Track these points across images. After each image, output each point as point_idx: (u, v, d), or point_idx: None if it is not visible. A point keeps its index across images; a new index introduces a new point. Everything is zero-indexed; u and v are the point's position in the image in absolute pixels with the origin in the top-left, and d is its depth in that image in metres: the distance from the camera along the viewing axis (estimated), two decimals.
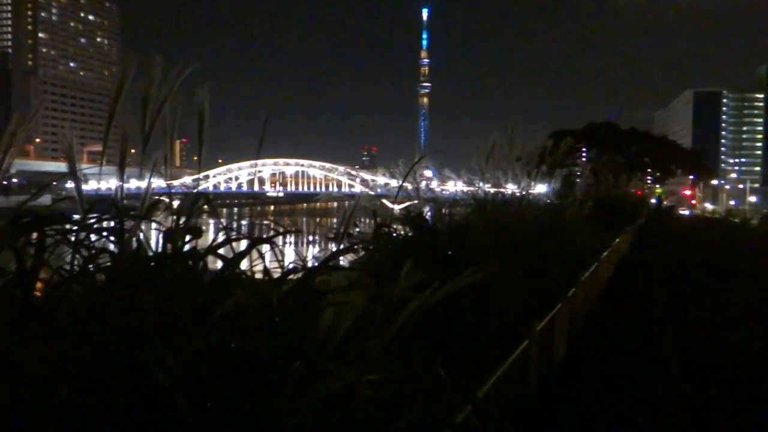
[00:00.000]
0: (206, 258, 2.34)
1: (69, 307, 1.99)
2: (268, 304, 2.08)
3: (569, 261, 7.55)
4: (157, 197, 2.92)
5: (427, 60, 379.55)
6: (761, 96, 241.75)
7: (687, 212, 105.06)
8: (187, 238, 2.61)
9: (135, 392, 1.70)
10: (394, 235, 5.56)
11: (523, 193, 9.11)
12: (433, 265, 4.61)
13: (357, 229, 5.60)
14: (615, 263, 15.53)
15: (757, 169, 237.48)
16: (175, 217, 2.65)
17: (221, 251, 2.58)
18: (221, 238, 2.71)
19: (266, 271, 2.40)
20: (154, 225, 2.61)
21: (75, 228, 2.27)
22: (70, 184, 2.65)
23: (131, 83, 2.79)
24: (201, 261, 2.30)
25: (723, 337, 9.62)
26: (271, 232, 3.22)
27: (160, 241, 2.59)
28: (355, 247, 5.20)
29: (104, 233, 2.36)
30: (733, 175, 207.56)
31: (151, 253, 2.41)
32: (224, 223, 3.07)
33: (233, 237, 2.57)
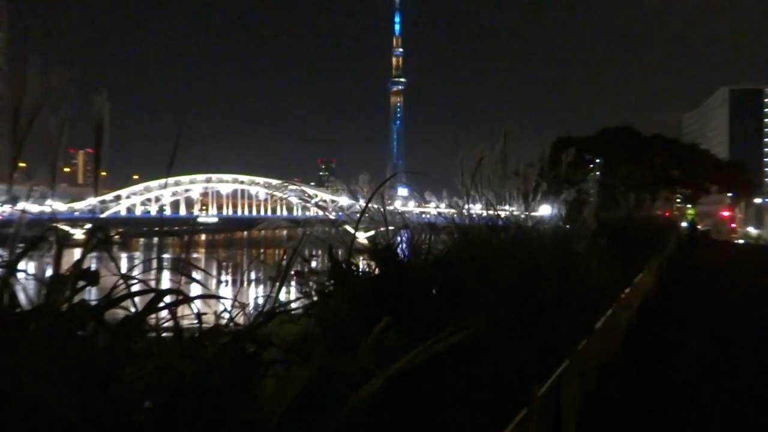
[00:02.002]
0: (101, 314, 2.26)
1: None
2: (179, 380, 2.00)
3: (579, 305, 7.57)
4: (52, 225, 2.84)
5: (401, 50, 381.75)
6: None
7: (741, 240, 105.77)
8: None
9: None
10: (357, 273, 5.51)
11: (521, 217, 9.14)
12: (406, 315, 4.57)
13: (314, 264, 5.54)
14: (638, 306, 15.65)
15: None
16: (72, 256, 2.57)
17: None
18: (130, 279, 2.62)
19: (178, 332, 2.31)
20: (32, 266, 2.52)
21: None
22: None
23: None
24: (93, 319, 2.22)
25: None
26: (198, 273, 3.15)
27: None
28: (306, 292, 5.14)
29: None
30: None
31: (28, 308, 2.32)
32: (137, 259, 2.99)
33: (135, 287, 2.49)
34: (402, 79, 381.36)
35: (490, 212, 8.27)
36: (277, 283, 4.07)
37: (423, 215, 9.53)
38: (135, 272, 2.87)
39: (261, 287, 4.83)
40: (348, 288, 5.06)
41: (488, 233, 7.51)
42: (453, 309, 4.93)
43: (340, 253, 5.72)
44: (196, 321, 2.61)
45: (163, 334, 2.46)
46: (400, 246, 6.34)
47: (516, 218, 8.94)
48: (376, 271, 5.60)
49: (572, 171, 12.08)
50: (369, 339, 2.65)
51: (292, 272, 4.97)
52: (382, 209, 6.74)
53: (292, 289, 5.21)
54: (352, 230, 6.05)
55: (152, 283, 2.82)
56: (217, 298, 3.05)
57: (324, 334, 3.64)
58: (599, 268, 9.63)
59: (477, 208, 8.40)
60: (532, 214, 9.78)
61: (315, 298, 5.05)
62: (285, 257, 4.42)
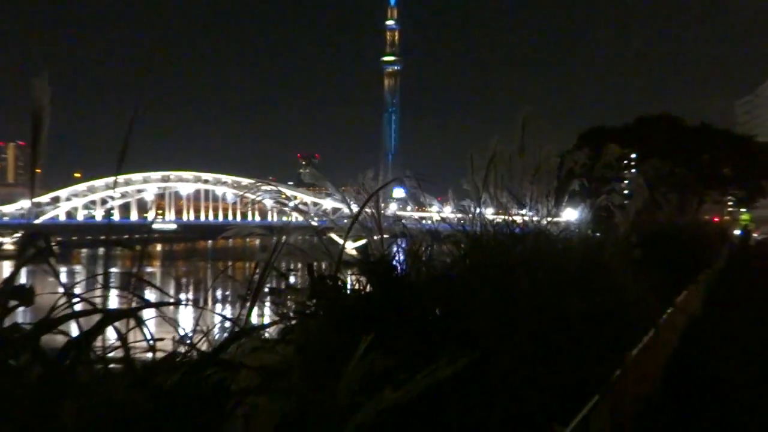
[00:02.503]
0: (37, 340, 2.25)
1: None
2: (130, 417, 2.00)
3: (612, 329, 7.58)
4: None
5: (396, 23, 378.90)
6: None
7: None
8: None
9: None
10: (344, 291, 5.52)
11: (543, 223, 9.16)
12: (404, 341, 4.57)
13: (292, 279, 5.53)
14: (681, 331, 15.64)
15: None
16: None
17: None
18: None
19: (128, 360, 2.30)
20: None
21: None
22: None
23: None
24: (28, 345, 2.21)
25: None
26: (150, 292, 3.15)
27: None
28: (283, 313, 5.13)
29: None
30: None
31: None
32: (80, 274, 2.99)
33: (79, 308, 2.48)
34: (398, 58, 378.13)
35: (505, 218, 8.29)
36: (248, 303, 4.07)
37: (424, 221, 9.56)
38: (77, 290, 2.86)
39: (229, 308, 4.84)
40: (333, 308, 5.06)
41: (503, 243, 7.52)
42: (460, 333, 4.93)
43: (324, 266, 5.72)
44: (150, 348, 2.60)
45: (111, 364, 2.46)
46: (397, 258, 6.34)
47: (536, 225, 8.96)
48: (368, 288, 5.61)
49: (609, 169, 12.10)
50: (351, 365, 2.63)
51: (266, 290, 4.97)
52: (375, 214, 6.74)
53: (267, 310, 5.21)
54: (338, 239, 6.05)
55: (98, 303, 2.81)
56: (175, 317, 3.04)
57: (304, 363, 3.64)
58: (636, 285, 9.65)
59: (489, 213, 8.42)
60: (556, 219, 9.80)
61: (294, 321, 5.05)
62: (257, 272, 4.42)
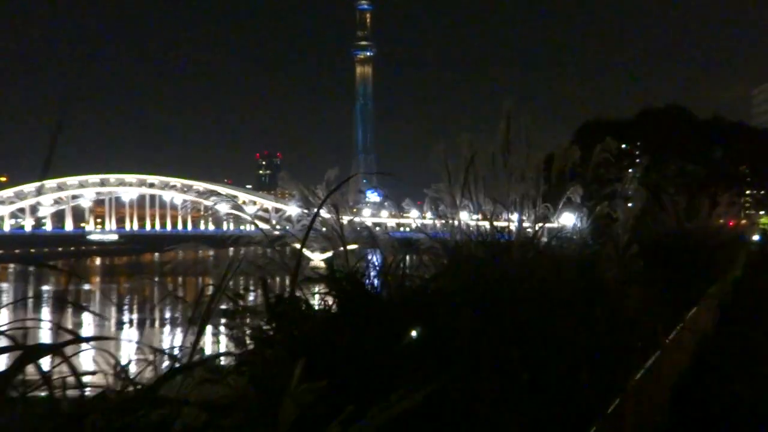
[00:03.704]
0: None
1: None
2: None
3: (610, 351, 7.61)
4: None
5: (368, 2, 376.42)
6: None
7: None
8: None
9: None
10: (309, 311, 5.51)
11: (533, 231, 9.17)
12: (373, 370, 4.57)
13: (251, 298, 5.51)
14: (691, 351, 15.71)
15: None
16: None
17: None
18: None
19: (53, 399, 2.30)
20: None
21: None
22: None
23: None
24: None
25: None
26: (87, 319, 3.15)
27: None
28: (239, 338, 5.12)
29: None
30: None
31: None
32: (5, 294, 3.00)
33: None
34: (369, 43, 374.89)
35: (488, 225, 8.27)
36: (199, 326, 4.07)
37: (401, 229, 9.57)
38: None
39: (178, 331, 4.83)
40: (293, 333, 5.03)
41: (485, 255, 7.52)
42: (436, 360, 4.94)
43: (287, 282, 5.71)
44: (79, 383, 2.59)
45: (34, 403, 2.45)
46: (368, 272, 6.33)
47: (524, 233, 8.96)
48: (333, 309, 5.59)
49: (608, 168, 12.12)
50: (286, 396, 2.65)
51: (221, 308, 4.96)
52: (341, 221, 6.75)
53: (222, 335, 5.20)
54: (307, 252, 6.04)
55: (26, 328, 2.79)
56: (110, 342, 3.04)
57: (259, 397, 3.64)
58: (638, 300, 9.69)
59: (470, 219, 8.43)
60: (548, 225, 9.81)
61: (251, 347, 5.03)
62: (210, 290, 4.42)
